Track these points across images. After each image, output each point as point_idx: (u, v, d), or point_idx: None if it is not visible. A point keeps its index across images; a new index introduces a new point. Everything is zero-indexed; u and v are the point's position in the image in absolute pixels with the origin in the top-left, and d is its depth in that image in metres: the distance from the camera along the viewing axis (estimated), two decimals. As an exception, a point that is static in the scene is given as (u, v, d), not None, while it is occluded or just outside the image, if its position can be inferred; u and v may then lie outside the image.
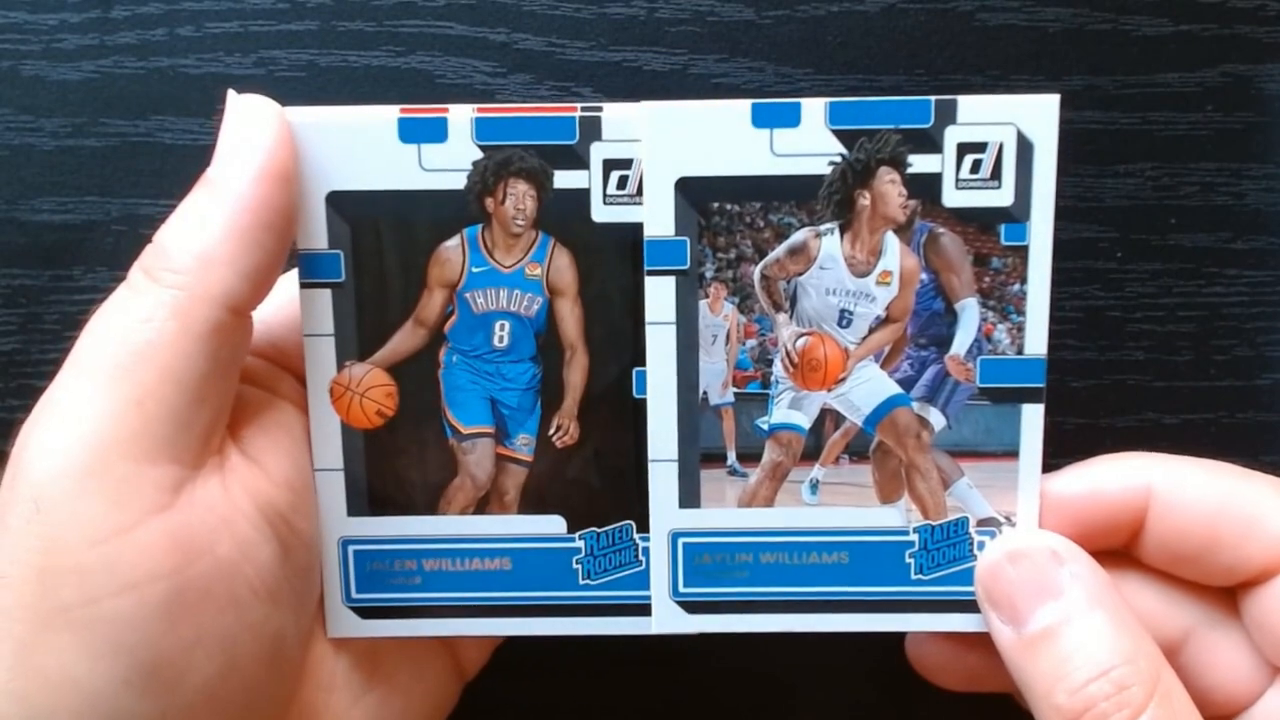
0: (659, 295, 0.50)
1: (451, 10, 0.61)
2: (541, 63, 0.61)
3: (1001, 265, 0.50)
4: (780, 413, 0.52)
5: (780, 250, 0.51)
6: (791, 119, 0.49)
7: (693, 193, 0.50)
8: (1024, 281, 0.50)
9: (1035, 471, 0.52)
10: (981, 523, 0.52)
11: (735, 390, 0.52)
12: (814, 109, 0.49)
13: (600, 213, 0.50)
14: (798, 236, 0.51)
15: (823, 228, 0.50)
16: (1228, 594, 0.52)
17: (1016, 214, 0.50)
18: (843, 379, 0.52)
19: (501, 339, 0.51)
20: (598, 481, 0.52)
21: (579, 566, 0.53)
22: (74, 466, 0.43)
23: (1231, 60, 0.62)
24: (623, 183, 0.50)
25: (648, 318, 0.51)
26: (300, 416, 0.52)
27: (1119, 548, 0.53)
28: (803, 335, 0.51)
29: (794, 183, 0.50)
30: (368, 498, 0.52)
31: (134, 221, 0.61)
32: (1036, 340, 0.51)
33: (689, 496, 0.52)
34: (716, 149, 0.49)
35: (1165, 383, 0.63)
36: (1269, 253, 0.63)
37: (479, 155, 0.49)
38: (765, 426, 0.52)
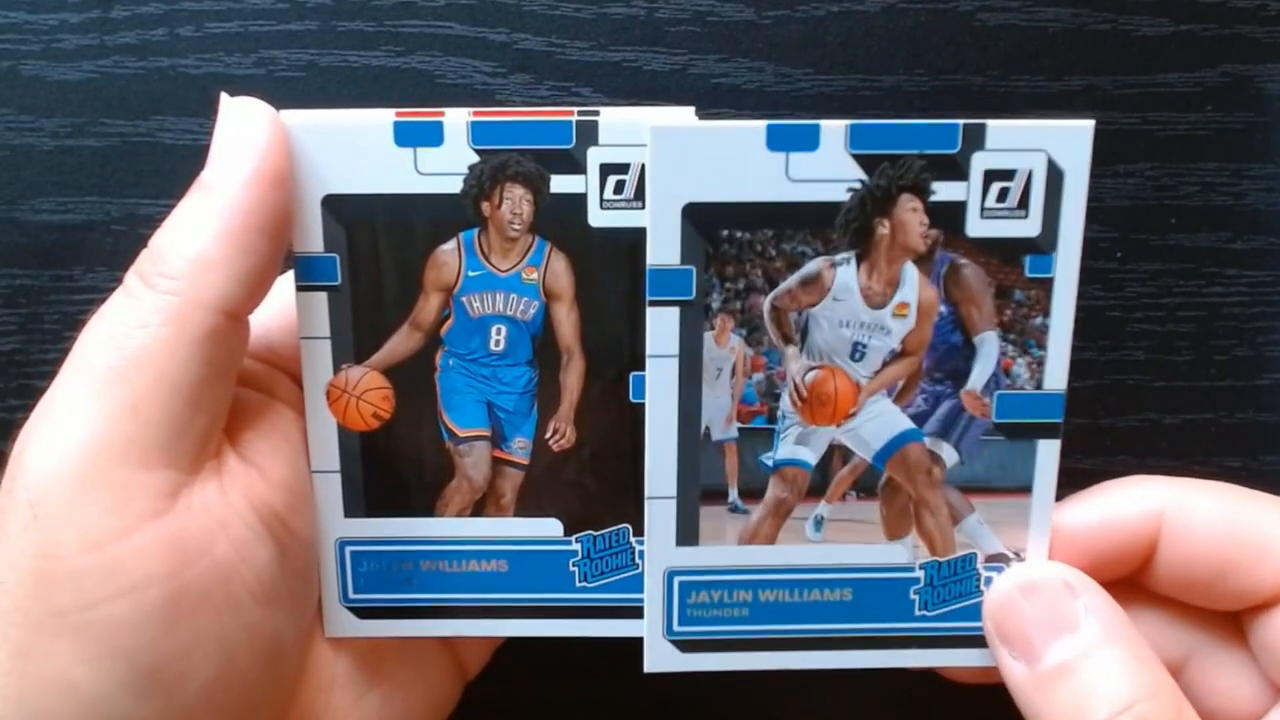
0: (662, 326, 0.50)
1: (451, 10, 0.61)
2: (541, 63, 0.61)
3: (1024, 298, 0.49)
4: (786, 448, 0.51)
5: (793, 280, 0.49)
6: (810, 142, 0.48)
7: (701, 219, 0.49)
8: (1047, 315, 0.49)
9: (1048, 507, 0.51)
10: (990, 559, 0.52)
11: (740, 425, 0.51)
12: (834, 132, 0.48)
13: (597, 217, 0.50)
14: (812, 266, 0.49)
15: (838, 257, 0.49)
16: (1229, 616, 0.52)
17: (1043, 245, 0.49)
18: (853, 414, 0.51)
19: (498, 343, 0.51)
20: (594, 485, 0.52)
21: (575, 569, 0.53)
22: (70, 472, 0.43)
23: (1231, 60, 0.62)
24: (619, 187, 0.49)
25: (649, 350, 0.50)
26: (297, 419, 0.52)
27: (1128, 576, 0.52)
28: (813, 369, 0.50)
29: (810, 210, 0.48)
30: (364, 499, 0.52)
31: (134, 221, 0.62)
32: (1056, 375, 0.50)
33: (687, 534, 0.52)
34: (728, 173, 0.48)
35: (1165, 383, 0.63)
36: (1269, 253, 0.63)
37: (475, 159, 0.49)
38: (770, 462, 0.52)
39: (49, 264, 0.62)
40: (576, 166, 0.49)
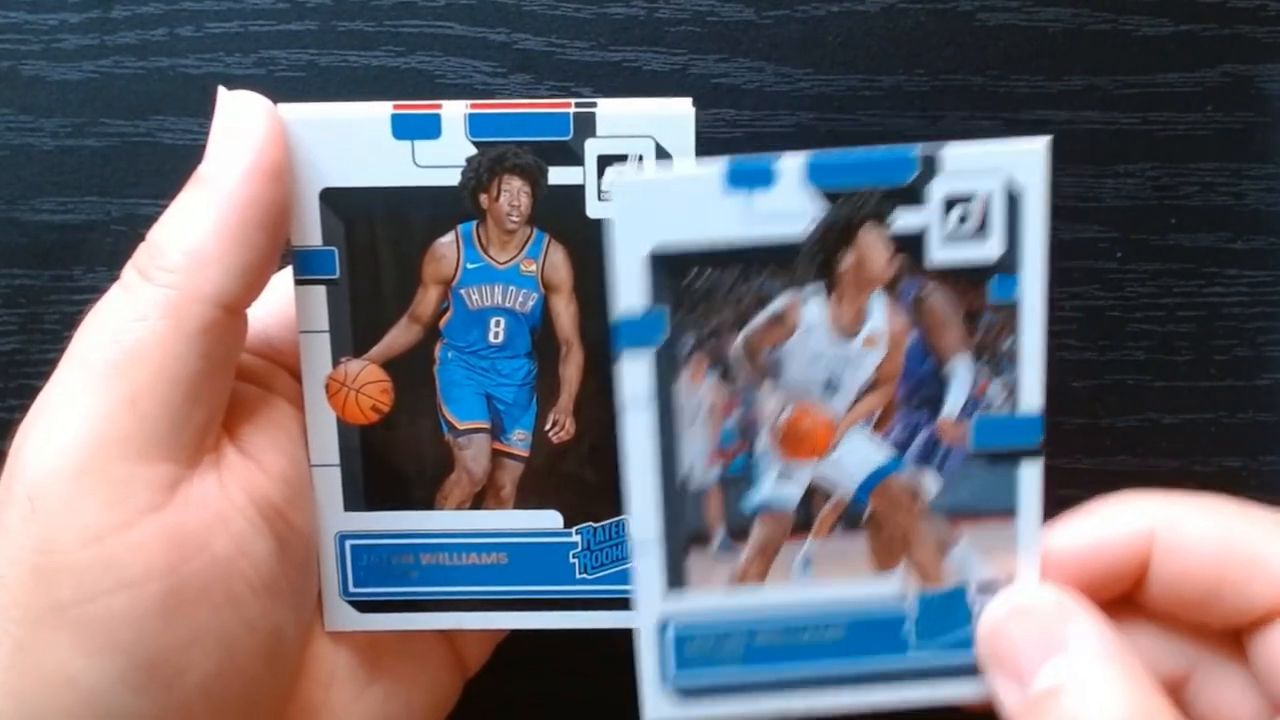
0: (634, 373, 0.48)
1: (451, 10, 0.61)
2: (541, 63, 0.62)
3: (993, 320, 0.49)
4: (768, 487, 0.51)
5: (761, 318, 0.49)
6: (767, 180, 0.47)
7: (667, 265, 0.48)
8: (1017, 336, 0.49)
9: (1035, 530, 0.50)
10: (982, 586, 0.51)
11: (720, 466, 0.50)
12: (790, 168, 0.47)
13: (595, 209, 0.50)
14: (779, 303, 0.48)
15: (805, 291, 0.48)
16: (1229, 634, 0.51)
17: (1006, 266, 0.48)
18: (832, 448, 0.50)
19: (497, 335, 0.51)
20: (594, 476, 0.52)
21: (575, 561, 0.53)
22: (69, 466, 0.43)
23: (1231, 60, 0.62)
24: (617, 178, 0.49)
25: (622, 397, 0.49)
26: (296, 413, 0.52)
27: (1120, 597, 0.51)
28: (788, 405, 0.50)
29: (772, 246, 0.48)
30: (364, 493, 0.52)
31: (134, 221, 0.62)
32: (1031, 397, 0.49)
33: (675, 578, 0.51)
34: (689, 218, 0.47)
35: (1165, 383, 0.63)
36: (1269, 253, 0.63)
37: (473, 152, 0.49)
38: (753, 502, 0.51)
39: (49, 264, 0.62)
40: (574, 158, 0.49)
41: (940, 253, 0.48)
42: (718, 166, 0.47)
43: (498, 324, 0.51)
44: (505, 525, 0.53)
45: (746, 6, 0.61)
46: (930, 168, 0.47)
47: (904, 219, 0.48)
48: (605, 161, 0.49)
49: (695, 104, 0.50)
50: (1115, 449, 0.63)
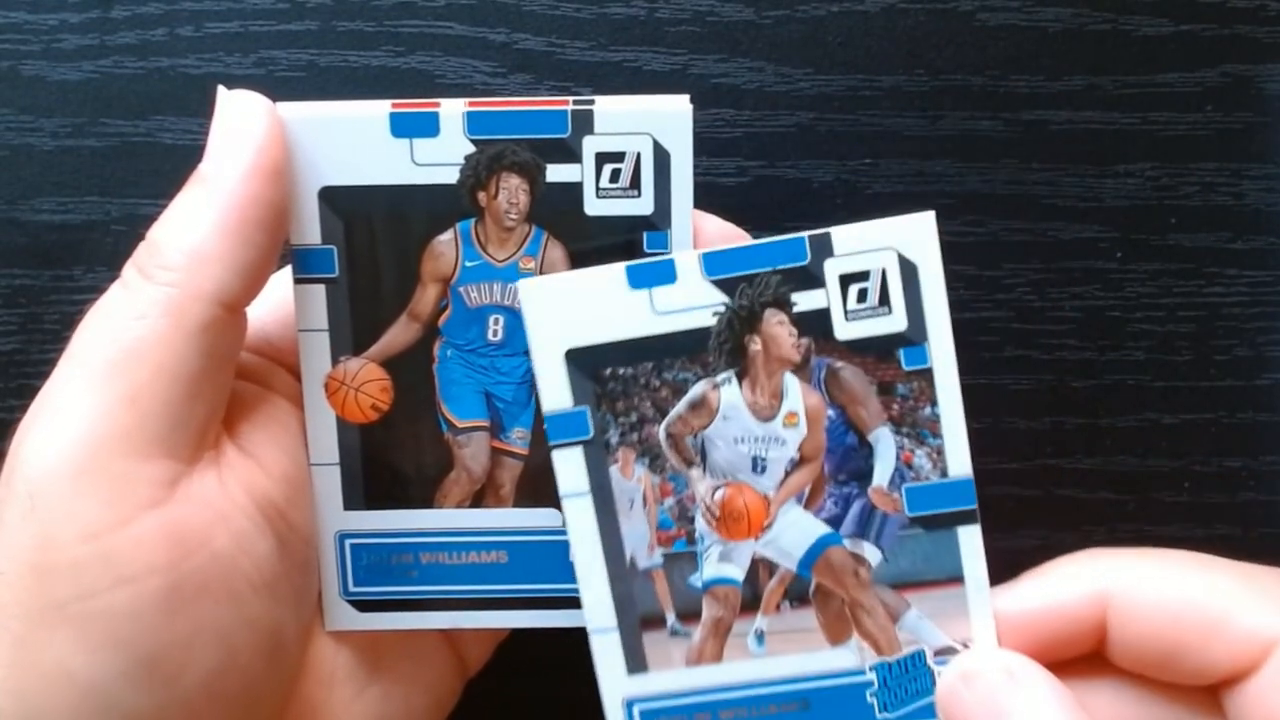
0: (569, 467, 0.50)
1: (451, 10, 0.61)
2: (541, 63, 0.62)
3: (908, 390, 0.49)
4: (711, 567, 0.51)
5: (681, 407, 0.50)
6: (667, 276, 0.48)
7: (583, 362, 0.49)
8: (935, 404, 0.49)
9: (983, 593, 0.50)
10: (939, 652, 0.51)
11: (662, 550, 0.51)
12: (688, 263, 0.48)
13: (593, 206, 0.50)
14: (696, 391, 0.50)
15: (719, 378, 0.50)
16: (1204, 688, 0.49)
17: (913, 337, 0.49)
18: (768, 525, 0.51)
19: (495, 333, 0.51)
20: (592, 475, 0.52)
21: (574, 558, 0.53)
22: (68, 463, 0.43)
23: (1231, 60, 0.62)
24: (615, 176, 0.49)
25: (560, 491, 0.50)
26: (296, 412, 0.52)
27: (1089, 654, 0.50)
28: (719, 487, 0.50)
29: (681, 338, 0.49)
30: (364, 492, 0.52)
31: (134, 221, 0.62)
32: (959, 461, 0.50)
33: (635, 662, 0.51)
34: (599, 316, 0.49)
35: (1165, 383, 0.63)
36: (1269, 253, 0.63)
37: (471, 149, 0.49)
38: (699, 583, 0.51)
39: (49, 264, 0.62)
40: (572, 155, 0.49)
41: (845, 330, 0.49)
42: (620, 267, 0.48)
43: (497, 321, 0.51)
44: (505, 524, 0.53)
45: (746, 6, 0.61)
46: (822, 249, 0.48)
47: (807, 300, 0.49)
48: (603, 159, 0.50)
49: (695, 104, 0.50)
50: (1115, 449, 0.63)
